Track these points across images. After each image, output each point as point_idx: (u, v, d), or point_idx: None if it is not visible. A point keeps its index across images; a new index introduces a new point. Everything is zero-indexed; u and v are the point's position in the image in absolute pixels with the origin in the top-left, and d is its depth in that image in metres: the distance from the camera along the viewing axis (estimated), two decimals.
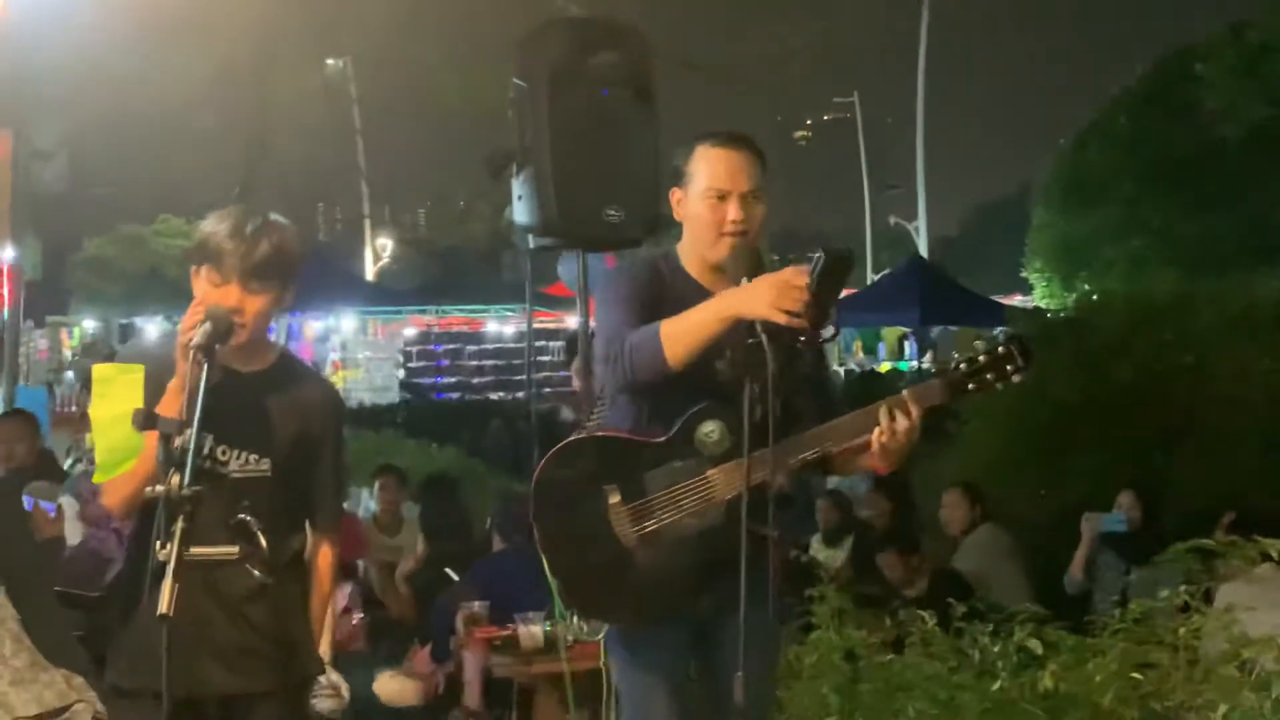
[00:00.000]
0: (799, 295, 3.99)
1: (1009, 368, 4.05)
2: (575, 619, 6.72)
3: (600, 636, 5.04)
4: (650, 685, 4.58)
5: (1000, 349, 4.06)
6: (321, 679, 5.78)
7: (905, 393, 4.15)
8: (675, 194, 4.56)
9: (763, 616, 4.11)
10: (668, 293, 4.44)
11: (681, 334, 4.16)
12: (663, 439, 4.36)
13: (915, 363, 31.35)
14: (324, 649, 5.96)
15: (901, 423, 4.07)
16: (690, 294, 4.39)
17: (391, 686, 6.10)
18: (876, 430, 4.09)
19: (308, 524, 4.28)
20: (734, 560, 3.97)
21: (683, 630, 4.50)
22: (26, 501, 8.40)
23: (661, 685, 4.55)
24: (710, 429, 4.29)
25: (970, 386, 4.10)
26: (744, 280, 4.17)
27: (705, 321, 4.15)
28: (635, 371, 4.22)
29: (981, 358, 4.06)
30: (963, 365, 4.11)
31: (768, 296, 4.01)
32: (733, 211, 4.38)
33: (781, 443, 4.09)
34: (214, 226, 4.00)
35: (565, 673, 6.39)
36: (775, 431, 4.05)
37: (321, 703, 5.96)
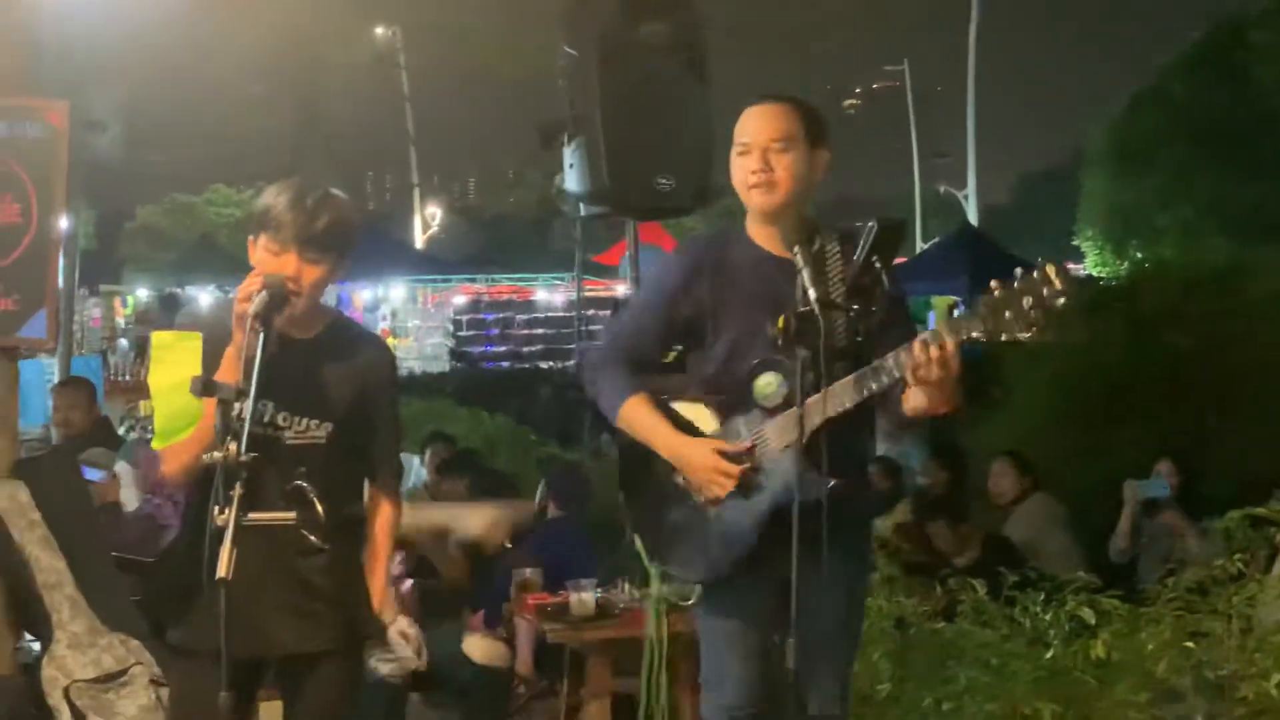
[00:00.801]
0: (724, 484, 4.32)
1: (1045, 291, 3.78)
2: (627, 587, 6.76)
3: (692, 600, 5.06)
4: (725, 642, 4.65)
5: (1035, 273, 3.82)
6: (396, 632, 5.89)
7: (940, 323, 4.11)
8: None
9: (839, 572, 4.21)
10: (726, 260, 4.51)
11: (634, 423, 4.53)
12: (726, 396, 4.46)
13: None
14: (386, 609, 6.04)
15: (934, 352, 3.97)
16: (748, 257, 4.49)
17: (481, 646, 6.15)
18: (911, 363, 4.01)
19: (367, 484, 4.31)
20: (804, 519, 4.01)
21: (762, 588, 4.49)
22: (91, 473, 8.49)
23: (736, 642, 4.61)
24: (767, 381, 4.35)
25: (1007, 315, 3.86)
26: (796, 249, 4.21)
27: (651, 440, 4.49)
28: (590, 389, 4.63)
29: (1016, 284, 3.84)
30: (996, 292, 3.90)
31: (698, 476, 4.38)
32: (751, 163, 4.41)
33: (827, 390, 4.12)
34: (274, 198, 4.03)
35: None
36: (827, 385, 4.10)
37: (395, 654, 6.03)
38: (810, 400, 4.18)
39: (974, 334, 3.95)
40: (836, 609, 4.47)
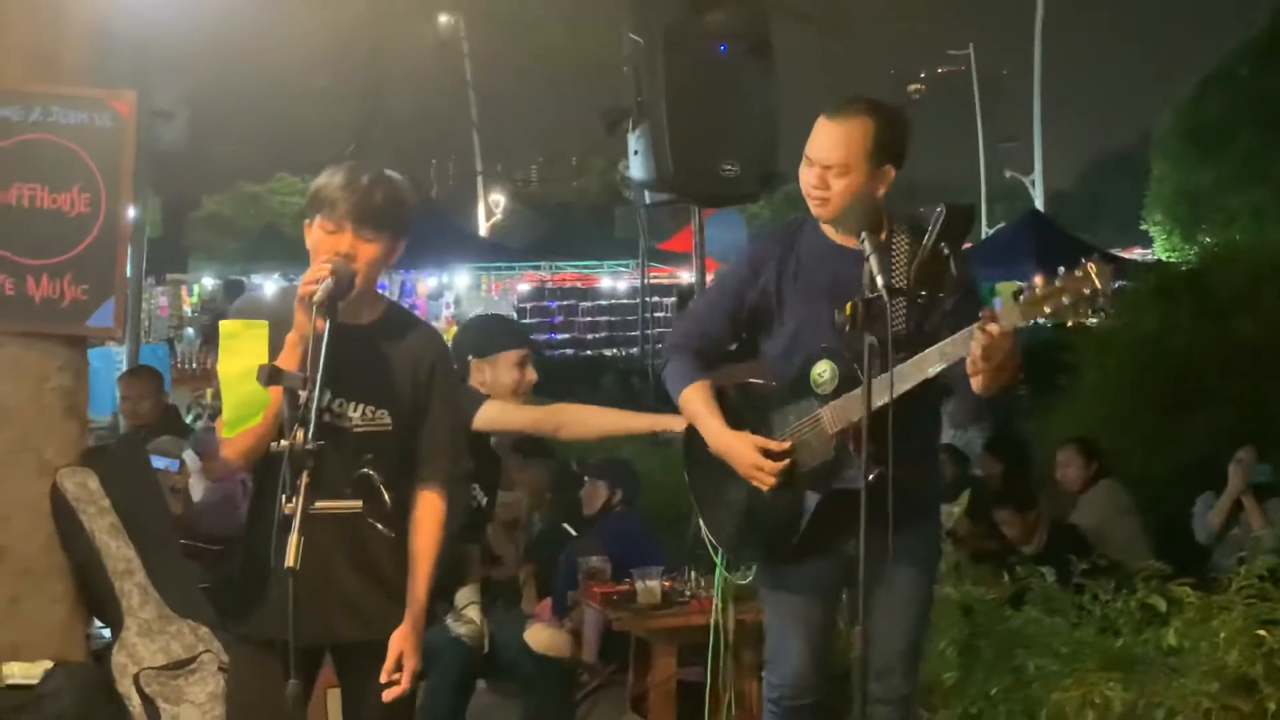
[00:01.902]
0: (764, 480, 4.54)
1: (1086, 290, 3.90)
2: (693, 575, 6.75)
3: (748, 578, 5.16)
4: (786, 624, 4.79)
5: (1077, 271, 3.93)
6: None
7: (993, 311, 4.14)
8: None
9: (900, 556, 4.27)
10: (792, 251, 4.68)
11: (690, 410, 4.77)
12: (784, 383, 4.63)
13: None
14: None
15: (988, 337, 4.03)
16: (816, 248, 4.65)
17: (543, 636, 6.15)
18: (971, 344, 4.08)
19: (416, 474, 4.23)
20: (856, 504, 4.06)
21: (824, 570, 4.62)
22: (159, 461, 8.55)
23: (797, 624, 4.74)
24: (821, 369, 4.49)
25: (1047, 308, 3.99)
26: (863, 236, 4.29)
27: (701, 428, 4.73)
28: (662, 374, 4.89)
29: (1058, 281, 3.97)
30: (1038, 289, 4.03)
31: (741, 470, 4.60)
32: (810, 178, 4.56)
33: (885, 375, 4.16)
34: (327, 179, 4.05)
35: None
36: (889, 369, 4.13)
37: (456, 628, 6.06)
38: (855, 391, 4.30)
39: (1021, 321, 4.04)
40: (899, 592, 4.53)
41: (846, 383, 4.39)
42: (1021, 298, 4.05)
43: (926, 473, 4.71)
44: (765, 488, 4.56)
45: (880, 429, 4.14)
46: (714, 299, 4.91)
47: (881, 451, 4.14)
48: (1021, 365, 4.22)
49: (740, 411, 4.70)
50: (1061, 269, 4.03)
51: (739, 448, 4.60)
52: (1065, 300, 3.94)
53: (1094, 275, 3.89)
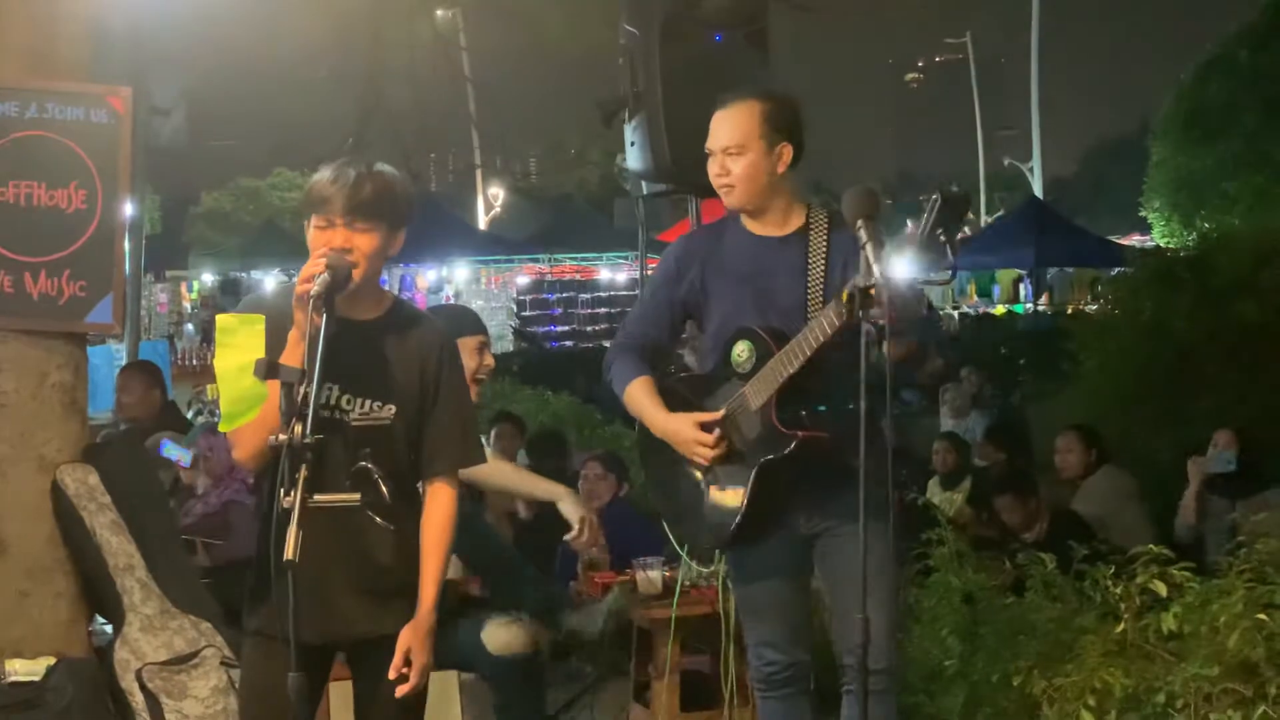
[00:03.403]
0: (704, 453, 4.73)
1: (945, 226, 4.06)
2: (693, 565, 6.75)
3: (713, 568, 5.33)
4: (753, 608, 5.00)
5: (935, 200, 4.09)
6: None
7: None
8: None
9: (851, 527, 4.30)
10: (716, 245, 4.98)
11: (633, 405, 4.96)
12: (710, 370, 4.91)
13: (1030, 305, 31.02)
14: None
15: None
16: (737, 239, 4.93)
17: (499, 635, 6.13)
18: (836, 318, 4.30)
19: (425, 469, 4.24)
20: (790, 473, 4.39)
21: (780, 549, 4.83)
22: (167, 448, 8.56)
23: (764, 606, 4.94)
24: (740, 350, 4.73)
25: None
26: (859, 224, 4.26)
27: (646, 420, 4.93)
28: (607, 377, 5.08)
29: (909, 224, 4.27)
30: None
31: (683, 449, 4.79)
32: (712, 167, 4.88)
33: (782, 351, 4.51)
34: (319, 177, 4.08)
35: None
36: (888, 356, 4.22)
37: None
38: (770, 362, 4.58)
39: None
40: (858, 560, 4.56)
41: (763, 359, 4.62)
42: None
43: (846, 440, 4.69)
44: (706, 461, 4.73)
45: (795, 397, 4.44)
46: (647, 300, 5.19)
47: (794, 418, 4.43)
48: (913, 333, 4.38)
49: (681, 400, 4.90)
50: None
51: (676, 426, 4.81)
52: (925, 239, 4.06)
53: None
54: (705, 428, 4.75)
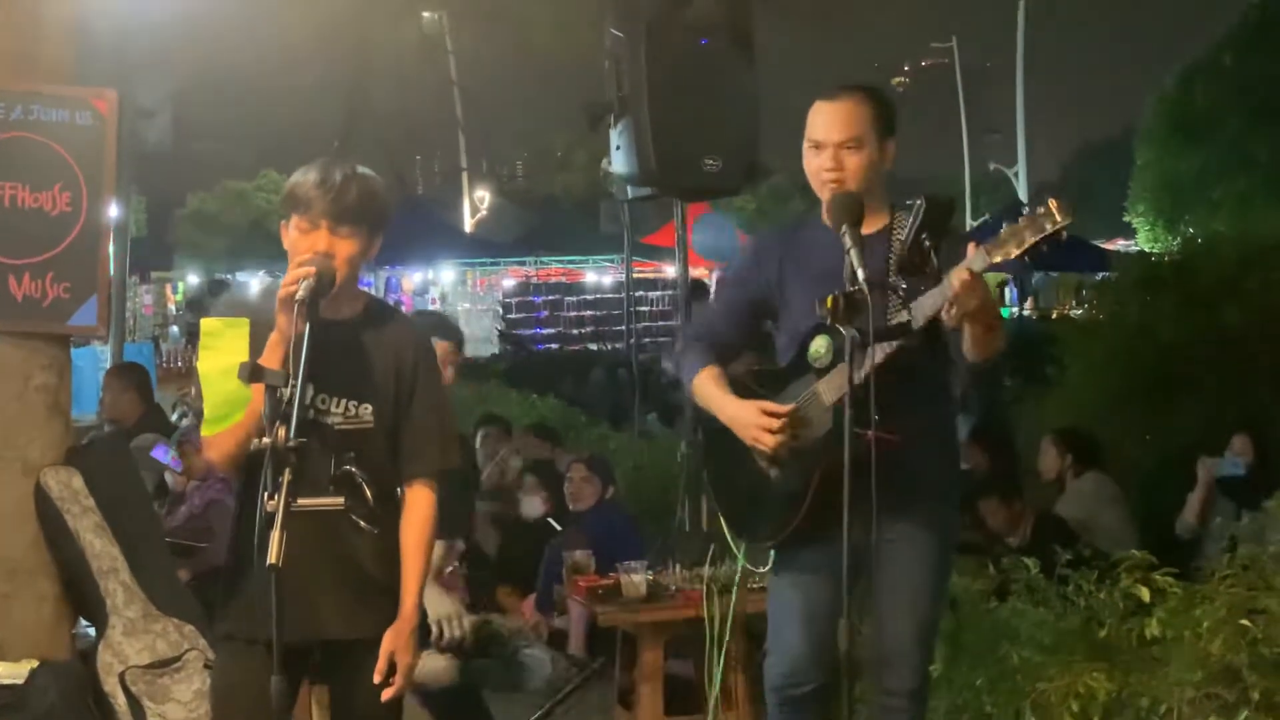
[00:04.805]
0: (767, 439, 4.61)
1: (1048, 226, 4.01)
2: (678, 568, 6.75)
3: (766, 569, 5.24)
4: (787, 609, 4.83)
5: (1039, 208, 4.05)
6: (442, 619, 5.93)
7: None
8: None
9: (908, 536, 4.41)
10: (793, 242, 4.89)
11: (700, 393, 4.91)
12: (785, 364, 4.79)
13: (1015, 309, 31.06)
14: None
15: (960, 282, 4.12)
16: (817, 236, 4.74)
17: (427, 667, 6.07)
18: (951, 294, 4.16)
19: (404, 468, 4.21)
20: (859, 473, 4.07)
21: (830, 554, 4.50)
22: (160, 452, 8.54)
23: (800, 609, 4.77)
24: (817, 345, 4.61)
25: (1013, 249, 4.07)
26: (844, 228, 4.29)
27: (713, 408, 4.86)
28: (676, 369, 5.11)
29: (1020, 220, 4.08)
30: (1003, 230, 4.13)
31: (746, 434, 4.68)
32: (825, 160, 4.66)
33: (871, 346, 4.22)
34: (301, 177, 4.06)
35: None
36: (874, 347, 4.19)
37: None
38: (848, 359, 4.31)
39: (991, 262, 4.12)
40: (907, 577, 4.53)
41: (840, 354, 4.42)
42: (990, 240, 4.12)
43: (933, 451, 4.72)
44: (768, 447, 4.61)
45: (890, 399, 4.17)
46: (723, 296, 5.17)
47: (864, 416, 4.15)
48: (1004, 328, 4.35)
49: (751, 393, 4.79)
50: (1026, 208, 4.13)
51: (742, 413, 4.70)
52: (1029, 237, 4.03)
53: (1055, 210, 3.99)
54: (770, 413, 4.63)
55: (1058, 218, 3.98)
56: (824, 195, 4.67)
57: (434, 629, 6.09)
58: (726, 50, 7.00)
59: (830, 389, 4.52)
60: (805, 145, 4.73)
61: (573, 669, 8.12)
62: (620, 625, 6.90)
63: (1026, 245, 4.03)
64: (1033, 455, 9.76)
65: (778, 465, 4.68)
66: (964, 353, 4.41)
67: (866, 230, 4.48)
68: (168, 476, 8.78)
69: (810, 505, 4.55)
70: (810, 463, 4.56)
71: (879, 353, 4.23)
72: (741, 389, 4.82)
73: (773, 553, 5.00)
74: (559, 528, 9.06)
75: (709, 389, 4.85)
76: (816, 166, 4.68)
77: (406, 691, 4.15)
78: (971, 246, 4.17)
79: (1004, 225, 4.13)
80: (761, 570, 5.81)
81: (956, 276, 4.12)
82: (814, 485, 4.53)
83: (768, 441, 4.61)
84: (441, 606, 6.22)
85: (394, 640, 4.05)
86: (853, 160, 4.64)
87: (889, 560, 4.52)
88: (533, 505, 9.57)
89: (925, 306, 4.29)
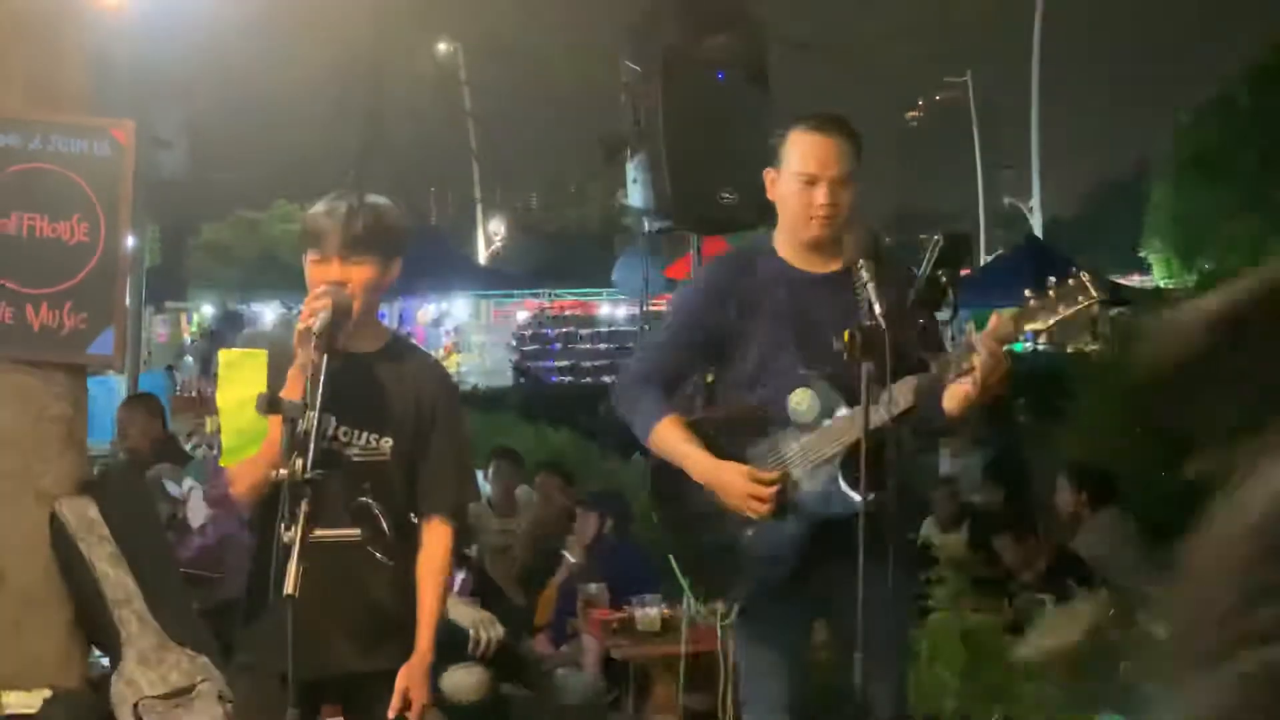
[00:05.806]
0: (759, 508, 4.35)
1: (1080, 299, 3.90)
2: (693, 603, 6.73)
3: (729, 620, 5.08)
4: (766, 664, 4.68)
5: (1070, 280, 3.94)
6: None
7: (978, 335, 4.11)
8: (769, 174, 4.68)
9: (883, 588, 4.14)
10: (751, 278, 4.61)
11: (664, 447, 4.59)
12: (761, 414, 4.52)
13: (1030, 344, 30.96)
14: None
15: (992, 355, 4.04)
16: (777, 275, 4.57)
17: (454, 681, 6.06)
18: (974, 360, 4.07)
19: (421, 504, 4.22)
20: (842, 533, 4.05)
21: (802, 606, 4.54)
22: (172, 487, 8.53)
23: (779, 664, 4.64)
24: (799, 399, 4.41)
25: (1040, 322, 3.99)
26: (861, 262, 4.24)
27: (684, 463, 4.52)
28: (622, 411, 4.72)
29: (1050, 291, 3.95)
30: (1031, 300, 4.01)
31: (733, 500, 4.40)
32: (821, 196, 4.48)
33: (859, 408, 4.15)
34: (313, 212, 4.12)
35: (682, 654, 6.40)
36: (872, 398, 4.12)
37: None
38: (841, 415, 4.30)
39: (1019, 332, 4.06)
40: (884, 625, 4.47)
41: (826, 412, 4.35)
42: (1018, 312, 4.03)
43: (902, 500, 4.54)
44: (758, 515, 4.40)
45: (870, 456, 4.10)
46: (675, 328, 4.80)
47: (871, 478, 4.09)
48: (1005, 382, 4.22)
49: (716, 446, 4.56)
50: (1053, 278, 3.99)
51: (730, 478, 4.44)
52: (1062, 310, 3.92)
53: (1089, 284, 3.89)
54: (761, 481, 4.40)
55: (1093, 292, 3.89)
56: (810, 231, 4.52)
57: (472, 634, 6.09)
58: (743, 84, 7.03)
59: (819, 448, 4.37)
60: (789, 177, 4.56)
61: (604, 686, 8.10)
62: (633, 659, 6.88)
63: (1055, 320, 3.94)
64: (1048, 491, 9.73)
65: (758, 526, 4.47)
66: (942, 407, 4.28)
67: (824, 269, 4.51)
68: (189, 508, 8.78)
69: (793, 567, 4.45)
70: (797, 521, 4.43)
71: (884, 411, 4.17)
72: (707, 441, 4.56)
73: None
74: (571, 558, 9.04)
75: (674, 444, 4.57)
76: (807, 201, 4.50)
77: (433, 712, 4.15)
78: (995, 316, 4.05)
79: (1030, 296, 4.01)
80: (718, 610, 5.75)
81: (985, 346, 4.03)
82: (802, 543, 4.42)
83: (761, 511, 4.39)
84: (472, 614, 6.23)
85: (408, 676, 4.05)
86: (845, 196, 4.49)
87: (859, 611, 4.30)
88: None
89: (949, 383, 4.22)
